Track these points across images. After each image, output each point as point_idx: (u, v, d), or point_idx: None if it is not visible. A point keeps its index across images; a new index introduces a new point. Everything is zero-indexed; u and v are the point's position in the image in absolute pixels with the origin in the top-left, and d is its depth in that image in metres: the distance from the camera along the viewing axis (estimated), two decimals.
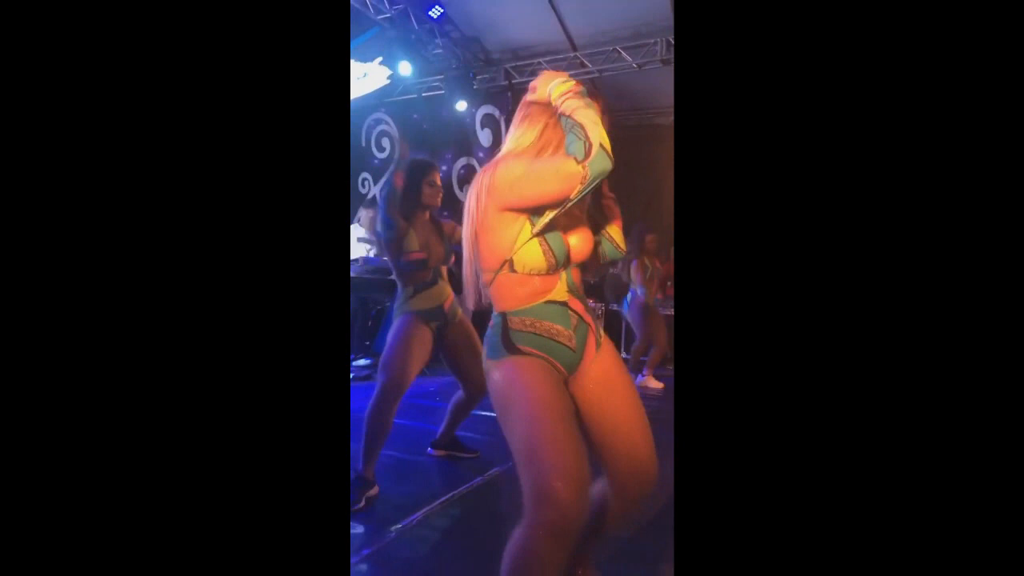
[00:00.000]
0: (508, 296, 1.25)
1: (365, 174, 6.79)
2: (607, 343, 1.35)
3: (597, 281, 5.63)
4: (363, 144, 6.88)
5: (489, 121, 6.35)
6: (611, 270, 6.03)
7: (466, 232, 1.26)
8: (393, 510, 1.99)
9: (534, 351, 1.22)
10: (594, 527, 1.32)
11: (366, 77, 5.89)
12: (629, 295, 4.66)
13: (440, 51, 5.83)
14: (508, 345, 1.23)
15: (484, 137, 6.34)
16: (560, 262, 1.24)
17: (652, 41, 5.25)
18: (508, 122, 6.18)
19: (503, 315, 1.25)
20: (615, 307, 5.73)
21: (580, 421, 1.29)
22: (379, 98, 6.32)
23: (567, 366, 1.26)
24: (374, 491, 2.09)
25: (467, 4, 5.44)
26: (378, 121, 6.83)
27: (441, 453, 2.63)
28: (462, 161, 6.40)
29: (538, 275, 1.23)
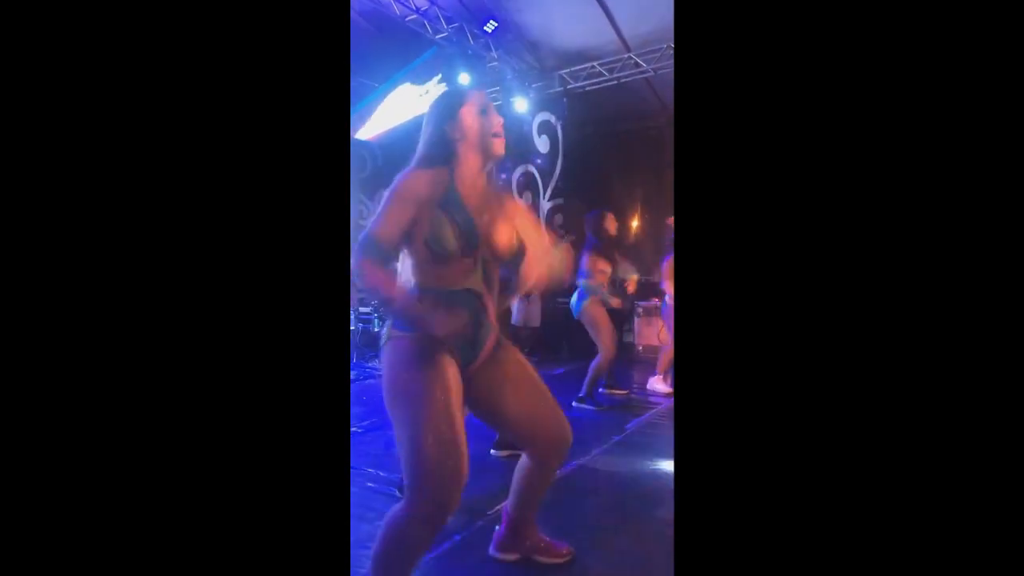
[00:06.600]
0: (424, 274, 1.29)
1: None
2: (508, 345, 1.44)
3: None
4: None
5: (546, 127, 6.46)
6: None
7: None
8: (465, 512, 1.92)
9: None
10: (522, 496, 1.55)
11: (427, 95, 6.13)
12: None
13: (496, 63, 5.99)
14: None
15: (542, 144, 6.46)
16: (471, 243, 1.27)
17: None
18: (564, 127, 6.25)
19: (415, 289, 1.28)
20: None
21: (491, 409, 1.40)
22: None
23: (464, 355, 1.31)
24: None
25: (520, 15, 5.58)
26: None
27: (504, 454, 2.57)
28: (521, 168, 6.54)
29: (451, 256, 1.27)
